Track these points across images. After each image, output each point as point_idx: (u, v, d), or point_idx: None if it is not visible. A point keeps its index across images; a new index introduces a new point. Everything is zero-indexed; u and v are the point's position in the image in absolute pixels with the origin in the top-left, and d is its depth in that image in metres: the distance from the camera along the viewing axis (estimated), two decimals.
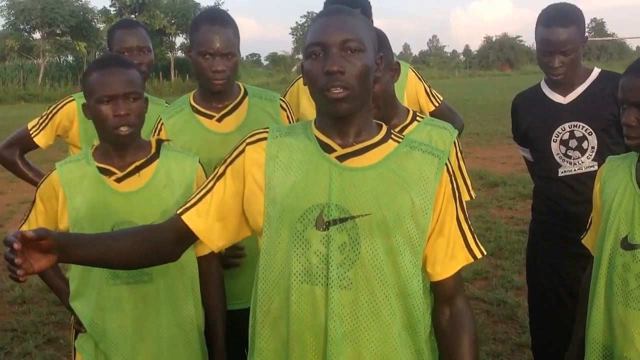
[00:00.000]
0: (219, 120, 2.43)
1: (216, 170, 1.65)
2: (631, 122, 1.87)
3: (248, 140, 1.63)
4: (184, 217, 1.63)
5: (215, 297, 2.14)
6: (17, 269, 1.37)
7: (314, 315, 1.52)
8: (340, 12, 1.54)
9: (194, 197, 1.65)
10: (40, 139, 2.85)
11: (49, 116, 2.85)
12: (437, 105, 3.20)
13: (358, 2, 2.74)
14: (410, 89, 3.13)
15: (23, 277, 1.38)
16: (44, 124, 2.85)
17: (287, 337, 1.55)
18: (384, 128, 1.63)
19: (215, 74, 2.34)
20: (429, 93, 3.18)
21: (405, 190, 1.54)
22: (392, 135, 1.63)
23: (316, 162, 1.56)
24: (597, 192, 2.05)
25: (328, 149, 1.57)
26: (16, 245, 1.34)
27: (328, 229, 1.51)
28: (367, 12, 2.85)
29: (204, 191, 1.64)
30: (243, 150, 1.62)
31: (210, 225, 1.63)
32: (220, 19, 2.36)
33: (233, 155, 1.63)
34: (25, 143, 2.88)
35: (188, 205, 1.64)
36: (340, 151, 1.56)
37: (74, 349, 2.24)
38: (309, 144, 1.59)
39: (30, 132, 2.85)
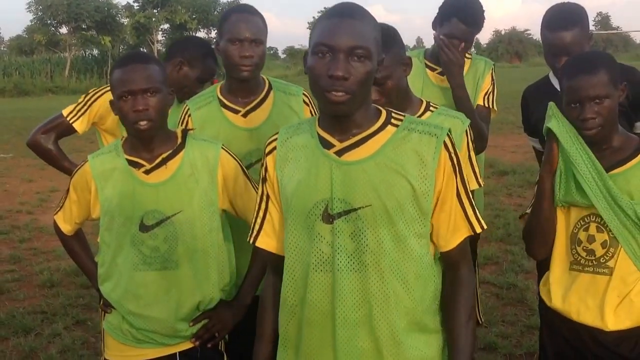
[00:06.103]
0: (245, 115, 2.48)
1: (260, 192, 1.76)
2: (591, 115, 1.99)
3: (265, 151, 1.73)
4: (258, 244, 1.76)
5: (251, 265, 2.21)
6: None
7: (327, 301, 1.60)
8: (351, 16, 1.54)
9: (256, 222, 1.76)
10: (79, 125, 2.84)
11: (88, 102, 2.83)
12: None
13: None
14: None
15: None
16: (82, 110, 2.83)
17: (302, 323, 1.65)
18: (383, 114, 1.65)
19: (243, 59, 2.37)
20: None
21: (404, 177, 1.57)
22: (392, 119, 1.65)
23: (317, 159, 1.62)
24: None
25: (328, 145, 1.62)
26: None
27: (334, 222, 1.59)
28: None
29: (261, 214, 1.75)
30: (264, 163, 1.73)
31: (279, 240, 1.74)
32: (248, 9, 2.44)
33: (263, 172, 1.74)
34: (62, 129, 2.86)
35: (255, 232, 1.76)
36: (339, 146, 1.61)
37: (102, 330, 2.28)
38: (311, 141, 1.65)
39: (68, 118, 2.84)
